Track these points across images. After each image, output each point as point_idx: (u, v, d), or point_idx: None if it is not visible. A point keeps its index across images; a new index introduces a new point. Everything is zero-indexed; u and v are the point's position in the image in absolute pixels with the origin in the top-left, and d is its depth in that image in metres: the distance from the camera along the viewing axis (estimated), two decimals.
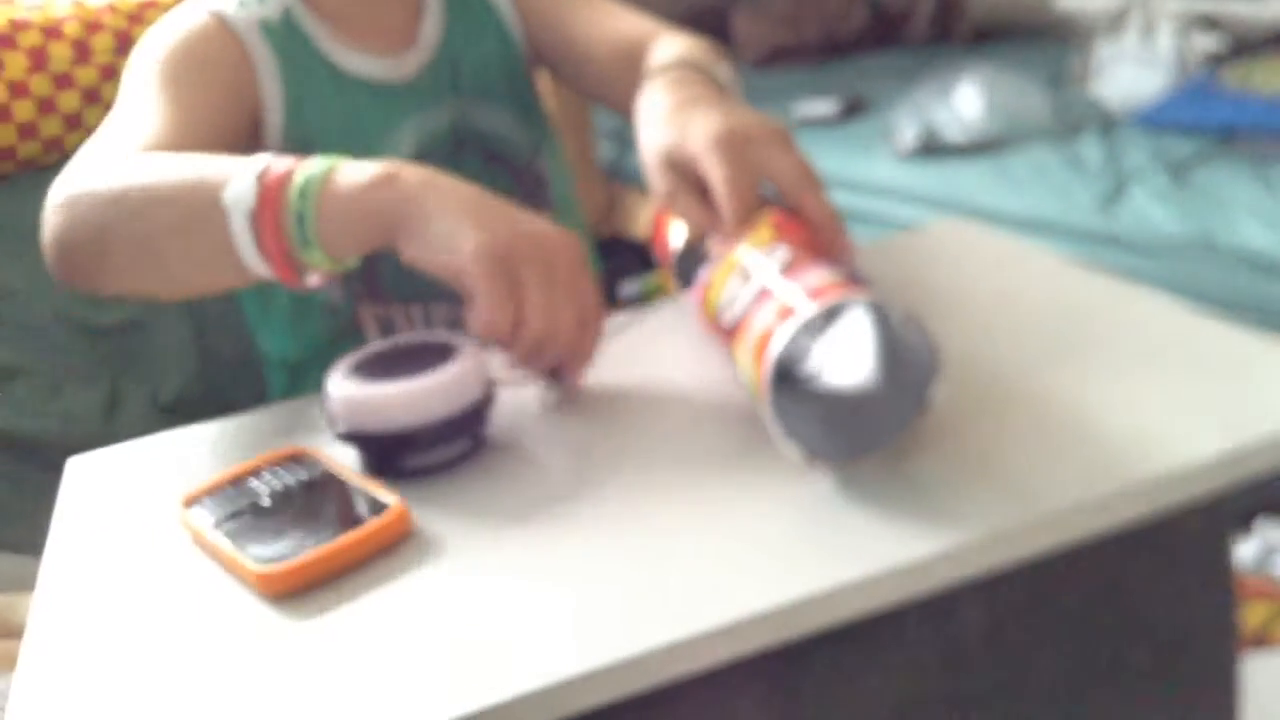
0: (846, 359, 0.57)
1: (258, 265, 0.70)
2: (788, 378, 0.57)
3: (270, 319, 1.05)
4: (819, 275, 0.61)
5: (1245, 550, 1.46)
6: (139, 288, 0.78)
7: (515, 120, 1.06)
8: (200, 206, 0.70)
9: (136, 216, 0.74)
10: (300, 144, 0.96)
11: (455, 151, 1.02)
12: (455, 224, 0.66)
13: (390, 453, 0.64)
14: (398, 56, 1.01)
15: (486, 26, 1.06)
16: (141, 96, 0.90)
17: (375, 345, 0.70)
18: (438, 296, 0.99)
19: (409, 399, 0.63)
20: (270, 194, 0.68)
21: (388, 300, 0.99)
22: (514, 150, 1.05)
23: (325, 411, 0.66)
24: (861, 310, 0.57)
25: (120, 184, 0.75)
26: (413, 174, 0.69)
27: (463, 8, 1.05)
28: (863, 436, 0.58)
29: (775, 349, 0.57)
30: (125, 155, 0.79)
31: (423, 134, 1.00)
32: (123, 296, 0.83)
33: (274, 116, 0.96)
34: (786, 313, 0.59)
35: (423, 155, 0.98)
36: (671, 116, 0.77)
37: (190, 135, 0.87)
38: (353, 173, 0.69)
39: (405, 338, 0.71)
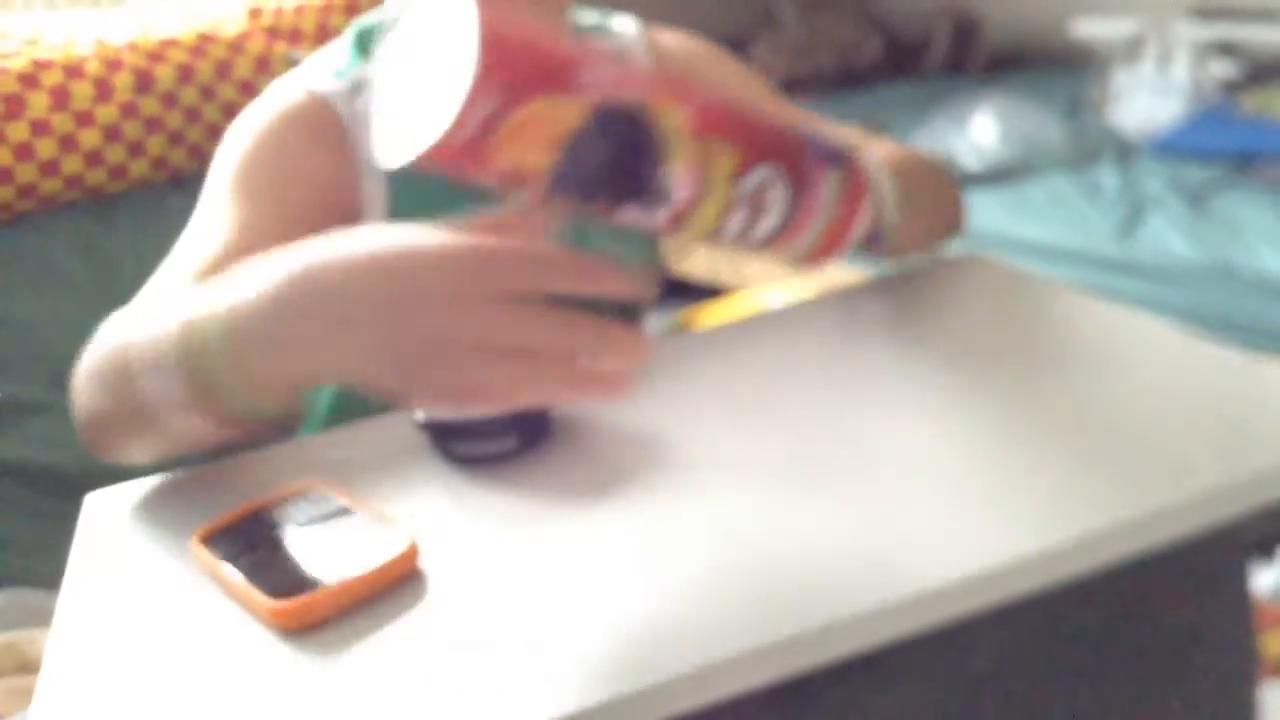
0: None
1: (202, 426, 0.63)
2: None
3: (311, 412, 0.98)
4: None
5: (1266, 578, 1.45)
6: (148, 458, 0.72)
7: (630, 248, 0.98)
8: (123, 377, 0.65)
9: (107, 393, 0.67)
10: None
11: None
12: (339, 345, 0.55)
13: (442, 439, 0.70)
14: None
15: None
16: (217, 199, 0.83)
17: None
18: None
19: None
20: (183, 345, 0.60)
21: None
22: (632, 255, 0.97)
23: None
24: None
25: (99, 358, 0.68)
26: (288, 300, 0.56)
27: None
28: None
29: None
30: (155, 301, 0.68)
31: None
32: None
33: (374, 214, 0.87)
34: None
35: None
36: None
37: (264, 243, 0.79)
38: (241, 296, 0.58)
39: None
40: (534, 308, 0.51)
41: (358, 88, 0.89)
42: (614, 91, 0.57)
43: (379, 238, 0.54)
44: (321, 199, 0.85)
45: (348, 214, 0.87)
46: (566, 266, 0.52)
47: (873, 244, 0.82)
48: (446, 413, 0.68)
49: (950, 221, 0.92)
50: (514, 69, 0.53)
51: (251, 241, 0.80)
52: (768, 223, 0.67)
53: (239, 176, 0.84)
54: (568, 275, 0.52)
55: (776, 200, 0.66)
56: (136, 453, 0.72)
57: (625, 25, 1.05)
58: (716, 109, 0.63)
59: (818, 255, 0.72)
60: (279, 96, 0.88)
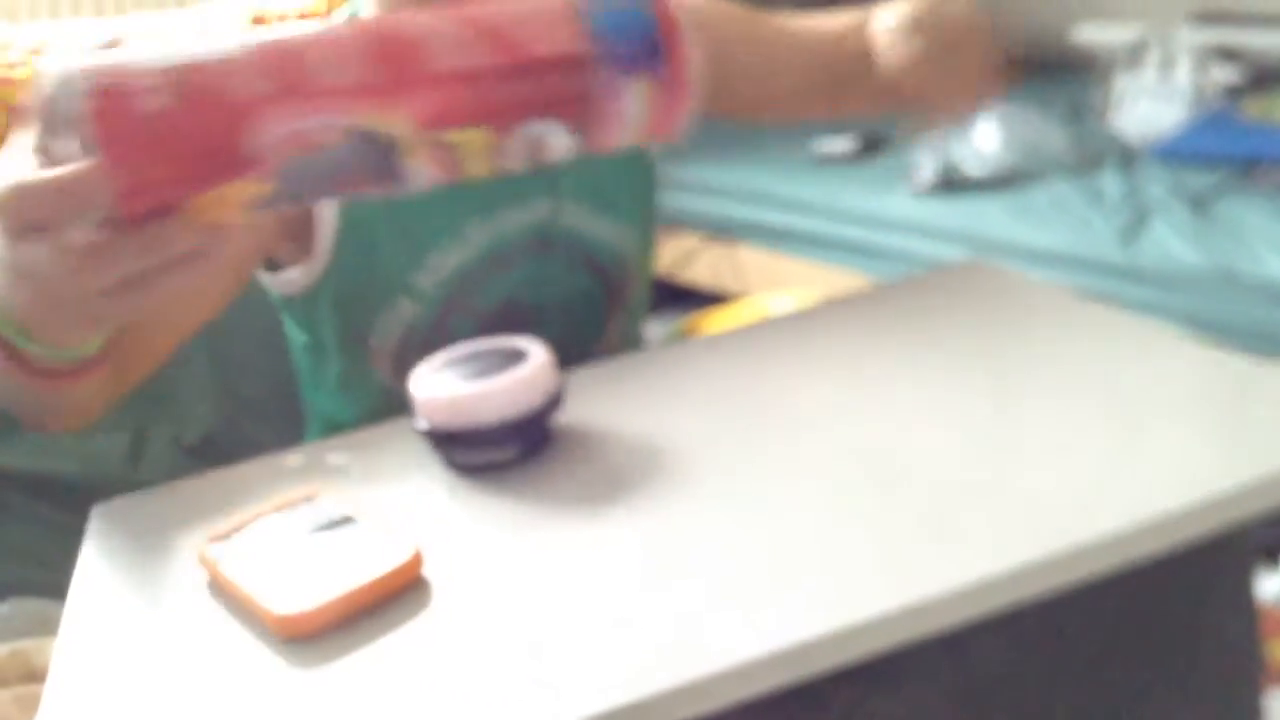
0: None
1: (23, 381, 0.66)
2: None
3: (322, 383, 1.01)
4: None
5: (1271, 584, 1.45)
6: (53, 427, 0.76)
7: (623, 226, 0.98)
8: None
9: None
10: (359, 235, 0.90)
11: (541, 251, 0.95)
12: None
13: (445, 447, 0.71)
14: None
15: None
16: None
17: (465, 346, 0.74)
18: None
19: (465, 401, 0.69)
20: None
21: None
22: (610, 255, 0.98)
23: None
24: None
25: None
26: None
27: None
28: None
29: None
30: None
31: (503, 229, 0.93)
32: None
33: (329, 207, 0.90)
34: None
35: (497, 251, 0.92)
36: None
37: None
38: None
39: (489, 342, 0.75)
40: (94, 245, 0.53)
41: None
42: (309, 138, 0.55)
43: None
44: None
45: None
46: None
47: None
48: (448, 421, 0.68)
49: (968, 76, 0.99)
50: (155, 162, 0.53)
51: None
52: (557, 153, 0.61)
53: None
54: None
55: (558, 139, 0.60)
56: (47, 420, 0.75)
57: None
58: (447, 98, 0.57)
59: (644, 140, 0.64)
60: None
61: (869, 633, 0.52)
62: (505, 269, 0.93)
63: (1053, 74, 2.77)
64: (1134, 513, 0.56)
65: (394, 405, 0.96)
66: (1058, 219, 2.02)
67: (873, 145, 2.49)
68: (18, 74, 1.22)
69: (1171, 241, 1.87)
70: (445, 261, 0.91)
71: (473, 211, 0.92)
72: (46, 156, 0.53)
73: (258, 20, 1.38)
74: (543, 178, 0.93)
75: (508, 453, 0.70)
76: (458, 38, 0.57)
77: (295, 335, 1.00)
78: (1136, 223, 1.96)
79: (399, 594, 0.58)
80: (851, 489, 0.62)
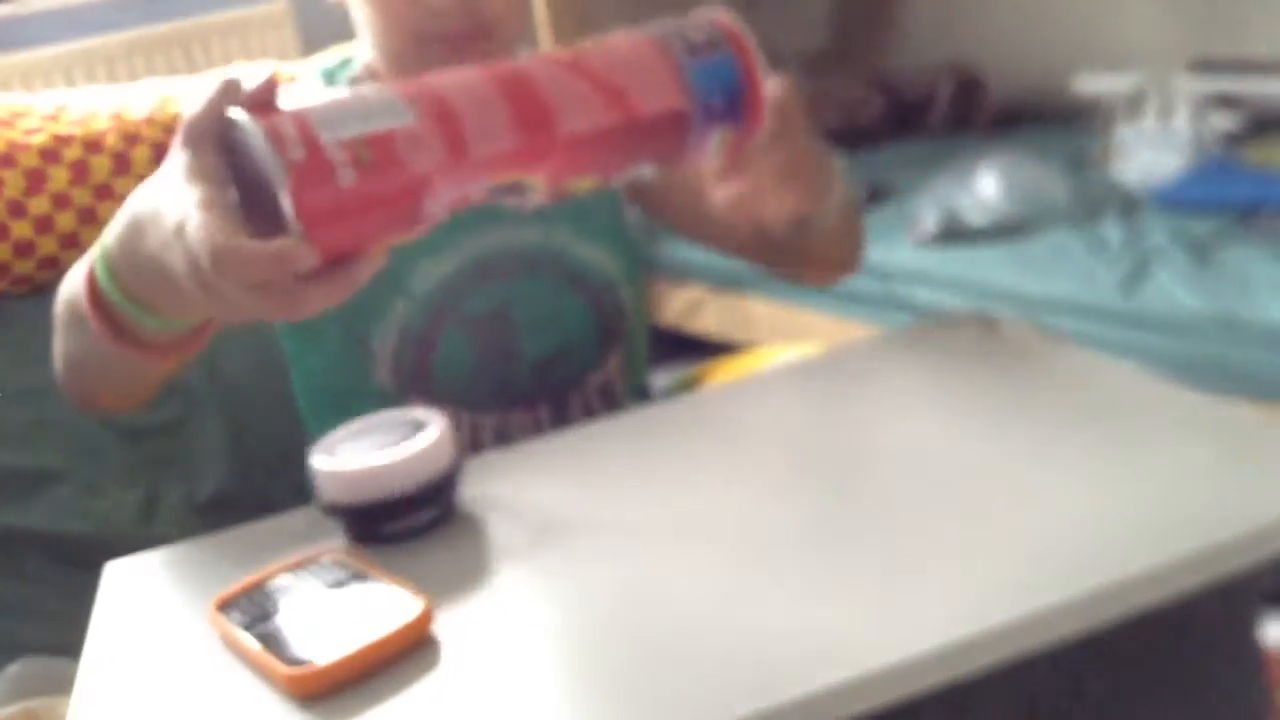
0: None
1: (126, 355, 0.72)
2: None
3: (322, 402, 1.06)
4: None
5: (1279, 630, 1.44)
6: (118, 403, 0.83)
7: (605, 251, 1.03)
8: (77, 320, 0.74)
9: (64, 344, 0.79)
10: None
11: (530, 270, 0.99)
12: (169, 259, 0.62)
13: (360, 521, 0.71)
14: None
15: None
16: None
17: (356, 423, 0.75)
18: (487, 407, 1.00)
19: (376, 473, 0.69)
20: (89, 282, 0.70)
21: (438, 401, 1.00)
22: (597, 278, 1.02)
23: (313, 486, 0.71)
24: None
25: (56, 315, 0.79)
26: (144, 208, 0.64)
27: None
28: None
29: None
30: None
31: (492, 245, 0.98)
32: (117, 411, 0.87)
33: None
34: None
35: (487, 269, 0.97)
36: None
37: None
38: (116, 230, 0.67)
39: (382, 416, 0.75)
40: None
41: None
42: (466, 199, 0.61)
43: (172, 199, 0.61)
44: None
45: None
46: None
47: (797, 231, 0.82)
48: (356, 497, 0.70)
49: (851, 259, 1.01)
50: (351, 233, 0.59)
51: None
52: (640, 179, 0.69)
53: None
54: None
55: (645, 173, 0.68)
56: (111, 395, 0.82)
57: None
58: (574, 158, 0.63)
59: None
60: None
61: (871, 688, 0.52)
62: (494, 281, 0.96)
63: (1053, 123, 2.79)
64: (1140, 561, 0.57)
65: None
66: (1060, 267, 2.03)
67: (875, 195, 2.51)
68: (34, 140, 1.24)
69: (1173, 289, 1.88)
70: (437, 268, 0.96)
71: (465, 229, 0.97)
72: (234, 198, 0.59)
73: None
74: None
75: (425, 517, 0.71)
76: (584, 100, 0.63)
77: (299, 358, 1.03)
78: (1138, 270, 1.97)
79: (410, 651, 0.59)
80: (854, 541, 0.63)
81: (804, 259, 0.99)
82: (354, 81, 1.00)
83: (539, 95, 0.62)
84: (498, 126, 0.60)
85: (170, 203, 0.61)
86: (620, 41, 0.66)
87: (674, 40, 0.66)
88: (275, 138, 0.56)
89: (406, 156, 0.58)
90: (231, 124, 0.59)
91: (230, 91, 0.61)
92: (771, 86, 0.69)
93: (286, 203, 0.56)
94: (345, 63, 1.03)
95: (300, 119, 0.57)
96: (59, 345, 0.81)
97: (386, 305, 0.95)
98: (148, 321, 0.69)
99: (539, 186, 0.63)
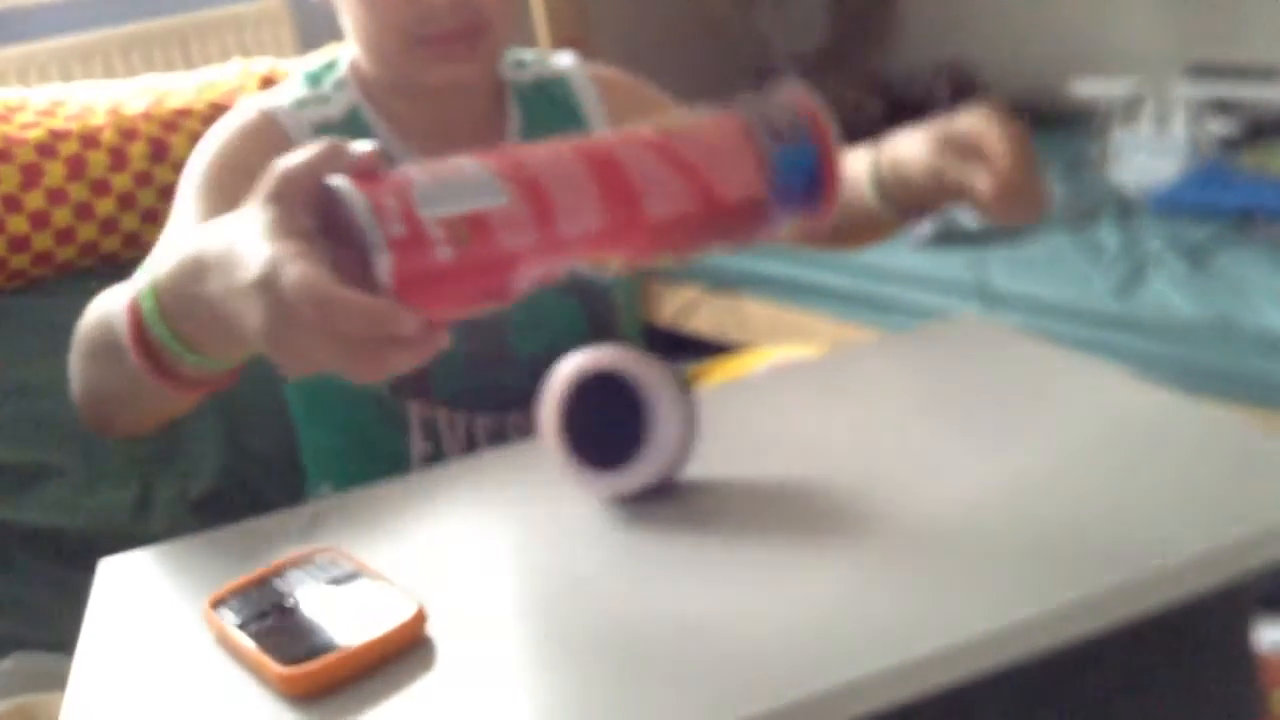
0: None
1: (162, 389, 0.71)
2: None
3: (314, 404, 1.06)
4: None
5: (1274, 633, 1.44)
6: (139, 428, 0.83)
7: None
8: (111, 348, 0.73)
9: (91, 369, 0.79)
10: None
11: None
12: (235, 306, 0.62)
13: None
14: None
15: None
16: (181, 209, 0.93)
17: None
18: (483, 407, 1.01)
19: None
20: (132, 314, 0.69)
21: (434, 403, 1.00)
22: (588, 278, 1.03)
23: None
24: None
25: (82, 336, 0.79)
26: (211, 252, 0.64)
27: (548, 125, 1.04)
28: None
29: None
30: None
31: None
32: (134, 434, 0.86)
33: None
34: None
35: None
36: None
37: None
38: (170, 267, 0.67)
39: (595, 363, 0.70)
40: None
41: (304, 104, 0.99)
42: (550, 277, 0.63)
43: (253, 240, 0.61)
44: None
45: None
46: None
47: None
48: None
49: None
50: (444, 305, 0.60)
51: None
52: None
53: (203, 184, 0.94)
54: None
55: (717, 248, 0.69)
56: (130, 421, 0.81)
57: (563, 59, 1.11)
58: (654, 241, 0.65)
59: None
60: (236, 118, 0.99)
61: (861, 693, 0.52)
62: None
63: (1050, 127, 2.79)
64: (1134, 568, 0.57)
65: (387, 423, 0.99)
66: (1056, 271, 2.04)
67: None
68: (30, 135, 1.24)
69: (1169, 293, 1.89)
70: None
71: None
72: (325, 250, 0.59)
73: (267, 81, 1.40)
74: None
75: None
76: (670, 185, 0.64)
77: None
78: (1134, 275, 1.97)
79: (403, 651, 0.59)
80: (844, 545, 0.63)
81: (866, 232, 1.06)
82: (339, 85, 1.00)
83: (627, 178, 0.63)
84: (586, 208, 0.62)
85: (250, 253, 0.60)
86: (706, 123, 0.67)
87: (759, 124, 0.67)
88: (378, 210, 0.57)
89: (500, 236, 0.59)
90: (332, 190, 0.60)
91: (333, 156, 0.61)
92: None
93: (384, 274, 0.57)
94: (330, 65, 1.03)
95: (402, 193, 0.59)
96: (81, 369, 0.80)
97: None
98: (190, 359, 0.69)
99: (615, 263, 0.66)
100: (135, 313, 0.69)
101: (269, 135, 0.97)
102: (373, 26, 0.94)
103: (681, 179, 0.64)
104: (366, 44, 0.97)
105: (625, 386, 0.68)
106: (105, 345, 0.74)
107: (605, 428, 0.68)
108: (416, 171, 0.60)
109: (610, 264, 0.66)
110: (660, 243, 0.66)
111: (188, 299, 0.65)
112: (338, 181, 0.60)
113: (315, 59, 1.06)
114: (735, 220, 0.67)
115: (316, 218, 0.61)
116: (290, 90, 1.01)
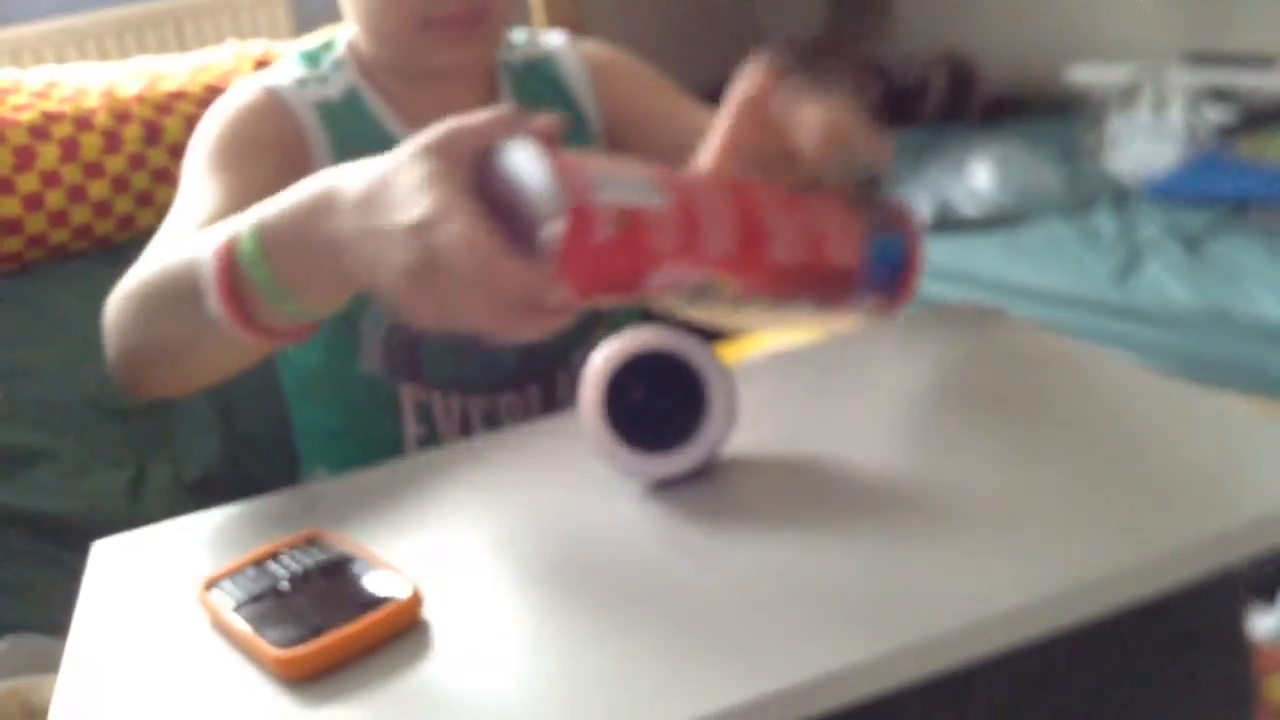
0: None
1: (242, 337, 0.71)
2: None
3: (309, 387, 1.06)
4: None
5: (1268, 622, 1.45)
6: (185, 386, 0.82)
7: None
8: (184, 298, 0.73)
9: (149, 323, 0.77)
10: None
11: None
12: (374, 246, 0.64)
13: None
14: None
15: (564, 135, 1.05)
16: (192, 185, 0.93)
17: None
18: (476, 389, 1.00)
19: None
20: (223, 259, 0.69)
21: (427, 385, 1.00)
22: None
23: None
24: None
25: (135, 292, 0.78)
26: (343, 206, 0.65)
27: (538, 104, 1.04)
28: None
29: None
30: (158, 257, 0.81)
31: None
32: (181, 396, 0.86)
33: None
34: None
35: None
36: None
37: (250, 200, 0.87)
38: (286, 205, 0.68)
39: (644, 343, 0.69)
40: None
41: (304, 83, 0.99)
42: (676, 285, 0.67)
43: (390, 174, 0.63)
44: (285, 176, 0.92)
45: (306, 175, 0.95)
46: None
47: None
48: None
49: None
50: (591, 282, 0.63)
51: (238, 200, 0.87)
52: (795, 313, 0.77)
53: (213, 160, 0.94)
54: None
55: (805, 307, 0.75)
56: (178, 378, 0.80)
57: (553, 38, 1.11)
58: (765, 280, 0.71)
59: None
60: (238, 95, 0.99)
61: (867, 674, 0.52)
62: None
63: (1047, 114, 2.79)
64: (1129, 554, 0.57)
65: (381, 405, 0.99)
66: (1052, 258, 2.04)
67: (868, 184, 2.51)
68: (23, 117, 1.23)
69: (1165, 281, 1.89)
70: None
71: None
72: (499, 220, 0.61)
73: (261, 63, 1.40)
74: None
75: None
76: (792, 235, 0.71)
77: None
78: (1130, 262, 1.97)
79: (399, 634, 0.59)
80: (842, 529, 0.63)
81: None
82: (337, 65, 1.00)
83: (760, 218, 0.70)
84: (724, 232, 0.68)
85: (407, 197, 0.61)
86: (824, 196, 0.74)
87: (865, 211, 0.76)
88: (561, 176, 0.61)
89: (651, 234, 0.64)
90: (511, 149, 0.63)
91: (512, 121, 0.63)
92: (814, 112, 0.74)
93: (552, 239, 0.60)
94: (327, 46, 1.03)
95: (578, 170, 0.62)
96: (129, 322, 0.79)
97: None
98: (286, 306, 0.69)
99: (727, 295, 0.70)
100: (227, 256, 0.69)
101: (274, 110, 0.97)
102: (380, 7, 0.94)
103: (802, 232, 0.71)
104: (370, 25, 0.97)
105: (664, 369, 0.68)
106: (171, 295, 0.74)
107: (642, 411, 0.68)
108: (585, 158, 0.64)
109: (724, 290, 0.69)
110: (770, 284, 0.72)
111: (303, 236, 0.66)
112: (525, 143, 0.63)
113: (312, 40, 1.06)
114: (831, 285, 0.74)
115: (472, 179, 0.64)
116: (287, 70, 1.01)
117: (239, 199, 0.88)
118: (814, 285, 0.74)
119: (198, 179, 0.93)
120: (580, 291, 0.62)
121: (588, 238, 0.61)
